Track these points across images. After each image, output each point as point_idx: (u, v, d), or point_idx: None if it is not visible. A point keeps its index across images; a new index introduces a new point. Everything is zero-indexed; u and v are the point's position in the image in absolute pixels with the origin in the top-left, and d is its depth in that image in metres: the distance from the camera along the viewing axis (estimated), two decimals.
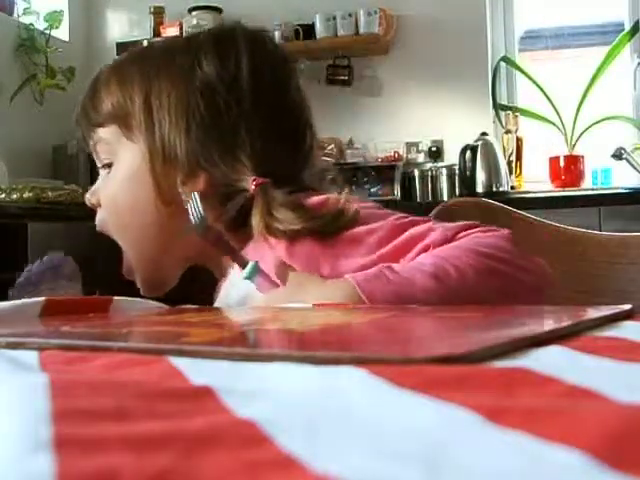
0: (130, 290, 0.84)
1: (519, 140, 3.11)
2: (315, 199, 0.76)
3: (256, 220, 0.75)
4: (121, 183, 0.83)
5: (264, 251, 0.75)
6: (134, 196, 0.82)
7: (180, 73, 0.82)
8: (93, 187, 0.87)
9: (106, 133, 0.84)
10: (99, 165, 0.87)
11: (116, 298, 0.68)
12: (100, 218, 0.87)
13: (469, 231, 0.70)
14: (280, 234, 0.73)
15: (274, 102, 0.84)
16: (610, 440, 0.20)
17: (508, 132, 3.11)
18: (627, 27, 3.15)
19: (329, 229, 0.73)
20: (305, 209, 0.74)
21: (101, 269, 2.71)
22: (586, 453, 0.19)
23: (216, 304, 0.83)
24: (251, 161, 0.78)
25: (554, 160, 3.06)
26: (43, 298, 0.66)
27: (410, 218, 0.74)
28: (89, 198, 0.87)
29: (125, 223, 0.84)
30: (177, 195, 0.80)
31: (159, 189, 0.81)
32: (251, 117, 0.80)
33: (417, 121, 3.25)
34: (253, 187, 0.77)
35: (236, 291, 0.78)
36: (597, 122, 3.07)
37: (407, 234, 0.70)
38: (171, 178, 0.80)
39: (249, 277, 0.73)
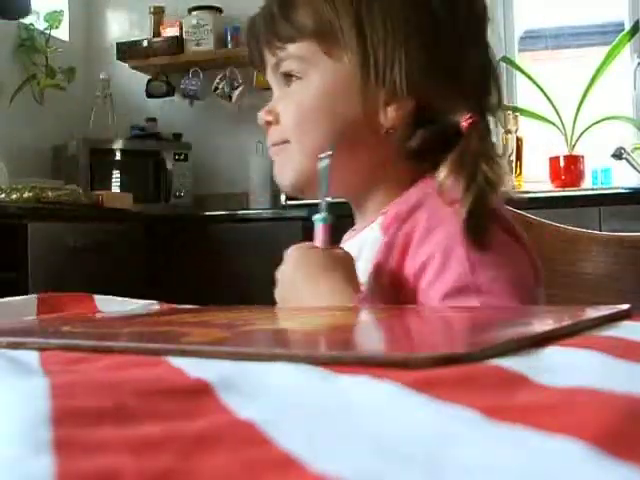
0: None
1: (519, 140, 3.11)
2: None
3: (459, 161, 0.69)
4: (317, 97, 0.76)
5: (429, 205, 0.70)
6: (329, 111, 0.76)
7: None
8: (269, 105, 0.80)
9: (301, 49, 0.77)
10: (278, 84, 0.80)
11: (97, 297, 0.68)
12: (276, 134, 0.79)
13: None
14: (471, 193, 0.66)
15: (484, 34, 0.77)
16: (609, 430, 0.20)
17: (508, 132, 3.11)
18: (627, 27, 3.15)
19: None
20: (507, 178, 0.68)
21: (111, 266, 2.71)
22: (586, 443, 0.19)
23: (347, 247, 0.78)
24: (468, 93, 0.72)
25: (554, 160, 3.06)
26: (34, 296, 0.66)
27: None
28: (264, 117, 0.80)
29: (313, 134, 0.77)
30: (375, 114, 0.74)
31: (360, 107, 0.75)
32: (469, 44, 0.74)
33: None
34: (466, 124, 0.71)
35: (368, 249, 0.74)
36: (597, 122, 3.07)
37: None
38: (376, 97, 0.74)
39: (316, 221, 0.70)
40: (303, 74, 0.77)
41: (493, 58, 0.79)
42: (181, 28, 3.37)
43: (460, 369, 0.29)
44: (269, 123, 0.80)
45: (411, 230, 0.70)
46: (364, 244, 0.76)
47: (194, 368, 0.32)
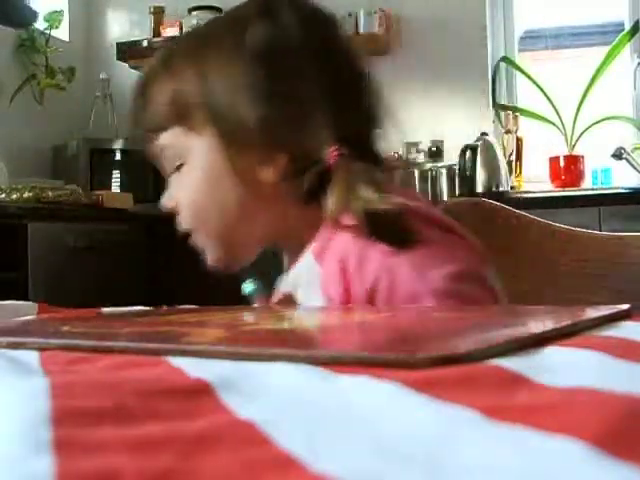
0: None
1: (519, 140, 3.11)
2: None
3: (334, 197, 0.70)
4: (198, 181, 0.78)
5: (332, 242, 0.71)
6: (214, 190, 0.77)
7: (231, 49, 0.76)
8: (167, 192, 0.81)
9: (170, 137, 0.78)
10: (168, 171, 0.81)
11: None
12: (182, 221, 0.81)
13: None
14: (357, 216, 0.67)
15: (333, 58, 0.78)
16: (609, 430, 0.20)
17: (508, 132, 3.11)
18: (627, 27, 3.15)
19: (406, 238, 0.67)
20: (388, 192, 0.68)
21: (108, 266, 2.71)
22: (586, 443, 0.19)
23: (283, 285, 0.79)
24: (327, 128, 0.73)
25: (554, 160, 3.06)
26: (36, 304, 0.67)
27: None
28: (165, 204, 0.82)
29: (209, 218, 0.79)
30: (255, 178, 0.75)
31: (238, 176, 0.76)
32: (317, 79, 0.75)
33: (417, 121, 3.26)
34: (332, 158, 0.72)
35: (304, 279, 0.75)
36: (597, 122, 3.07)
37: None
38: (248, 162, 0.75)
39: (248, 292, 0.71)
40: (183, 159, 0.78)
41: (356, 70, 0.79)
42: (181, 28, 3.36)
43: (460, 369, 0.29)
44: (173, 210, 0.81)
45: (345, 257, 0.69)
46: (299, 276, 0.76)
47: (194, 368, 0.32)
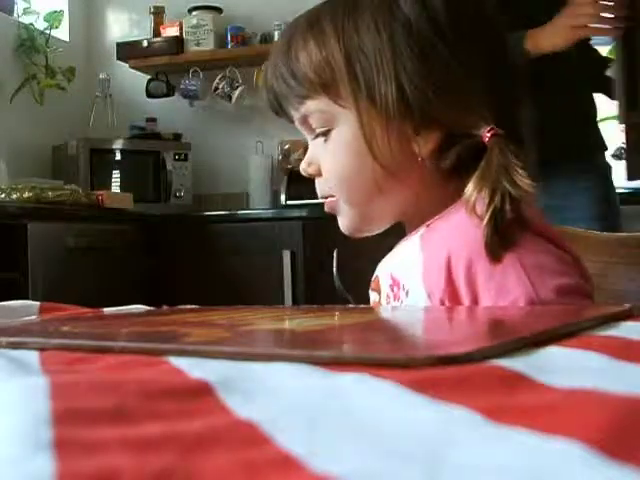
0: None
1: None
2: None
3: (481, 176, 0.68)
4: (347, 149, 0.76)
5: (445, 227, 0.70)
6: (363, 160, 0.75)
7: (378, 18, 0.73)
8: (307, 156, 0.80)
9: (318, 104, 0.76)
10: (310, 136, 0.79)
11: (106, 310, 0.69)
12: (322, 187, 0.80)
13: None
14: (492, 208, 0.65)
15: (484, 34, 0.75)
16: (609, 431, 0.20)
17: None
18: None
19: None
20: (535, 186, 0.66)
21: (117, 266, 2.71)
22: (586, 444, 0.19)
23: (380, 267, 0.79)
24: (483, 106, 0.71)
25: None
26: (38, 303, 0.67)
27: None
28: (305, 168, 0.80)
29: (353, 187, 0.77)
30: (407, 150, 0.73)
31: (391, 147, 0.73)
32: (473, 54, 0.73)
33: None
34: (487, 138, 0.69)
35: (399, 255, 0.75)
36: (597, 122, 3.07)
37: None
38: (403, 134, 0.73)
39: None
40: (330, 125, 0.76)
41: (509, 54, 0.78)
42: (181, 28, 3.37)
43: (460, 369, 0.29)
44: (312, 175, 0.80)
45: (455, 253, 0.68)
46: (397, 257, 0.76)
47: (194, 368, 0.32)
